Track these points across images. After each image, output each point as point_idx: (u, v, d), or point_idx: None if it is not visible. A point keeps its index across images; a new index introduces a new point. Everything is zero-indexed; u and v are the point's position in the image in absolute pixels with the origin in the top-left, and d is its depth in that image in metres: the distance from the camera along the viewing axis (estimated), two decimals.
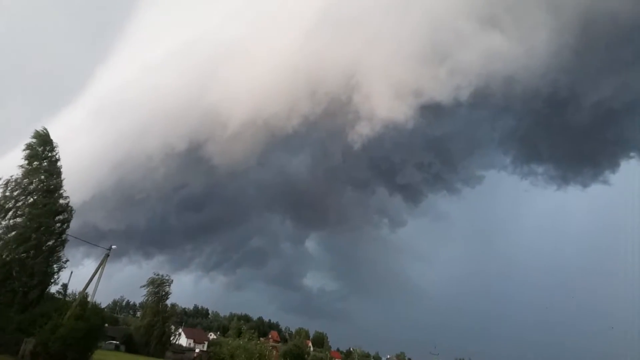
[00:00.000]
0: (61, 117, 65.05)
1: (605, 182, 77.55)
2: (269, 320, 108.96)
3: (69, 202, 26.36)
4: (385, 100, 52.52)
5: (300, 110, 57.44)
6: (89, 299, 29.70)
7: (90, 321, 23.59)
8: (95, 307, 29.82)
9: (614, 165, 73.93)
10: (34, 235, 23.73)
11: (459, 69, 48.72)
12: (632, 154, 70.36)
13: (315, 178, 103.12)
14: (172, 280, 54.62)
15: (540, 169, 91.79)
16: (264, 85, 56.40)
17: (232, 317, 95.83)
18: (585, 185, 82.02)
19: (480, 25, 48.52)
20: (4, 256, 23.06)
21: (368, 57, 55.07)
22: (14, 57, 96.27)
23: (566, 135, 74.42)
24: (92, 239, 26.57)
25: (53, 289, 26.79)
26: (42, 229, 24.26)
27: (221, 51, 59.84)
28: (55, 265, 25.31)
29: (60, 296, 27.07)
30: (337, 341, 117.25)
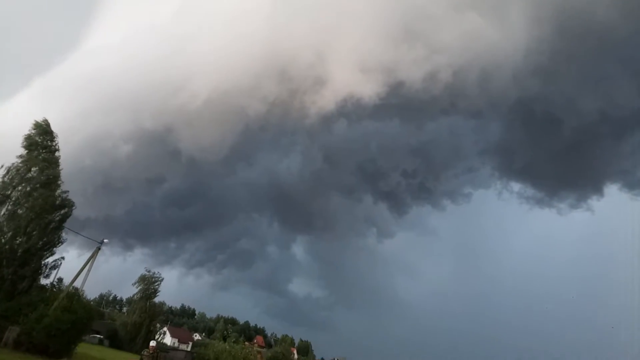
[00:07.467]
0: (35, 84, 61.70)
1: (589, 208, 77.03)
2: (255, 324, 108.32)
3: (68, 195, 25.97)
4: (357, 76, 51.14)
5: (268, 90, 55.21)
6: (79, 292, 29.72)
7: (77, 314, 23.53)
8: (82, 300, 29.79)
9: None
10: (30, 227, 23.62)
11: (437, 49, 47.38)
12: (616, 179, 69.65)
13: (299, 176, 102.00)
14: (163, 279, 54.92)
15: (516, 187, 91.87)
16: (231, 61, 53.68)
17: (218, 319, 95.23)
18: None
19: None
20: None
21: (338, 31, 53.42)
22: None
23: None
24: (69, 225, 25.95)
25: (45, 281, 26.39)
26: (41, 221, 24.06)
27: (192, 26, 57.46)
28: (49, 259, 25.13)
29: (54, 289, 26.80)
30: (320, 350, 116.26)
